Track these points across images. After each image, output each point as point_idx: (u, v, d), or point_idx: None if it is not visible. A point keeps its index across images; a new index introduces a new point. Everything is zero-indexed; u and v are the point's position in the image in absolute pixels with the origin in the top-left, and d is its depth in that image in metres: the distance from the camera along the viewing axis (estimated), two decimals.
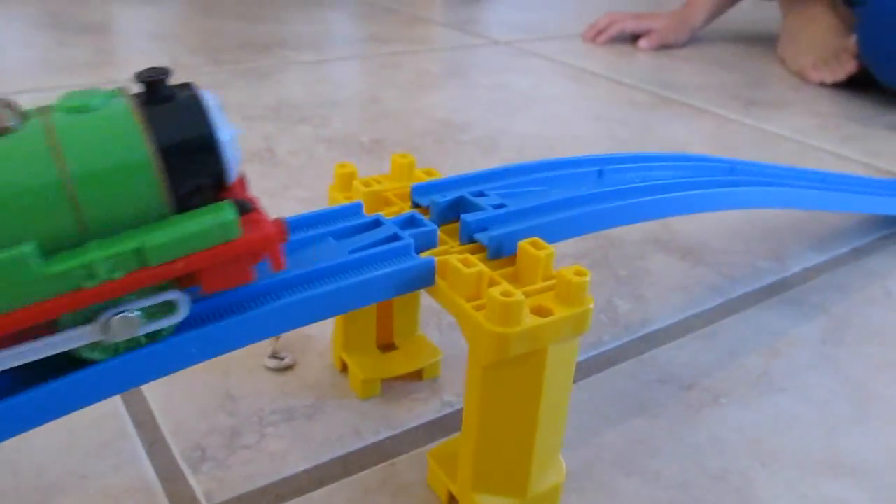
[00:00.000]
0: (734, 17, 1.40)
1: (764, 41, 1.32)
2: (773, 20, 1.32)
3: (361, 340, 0.44)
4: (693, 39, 1.29)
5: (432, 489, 0.37)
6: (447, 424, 0.41)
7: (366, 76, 1.00)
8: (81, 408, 0.27)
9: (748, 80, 1.11)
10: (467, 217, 0.34)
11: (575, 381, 0.44)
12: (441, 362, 0.45)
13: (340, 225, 0.34)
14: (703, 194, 0.43)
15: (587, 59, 1.16)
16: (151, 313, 0.26)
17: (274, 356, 0.45)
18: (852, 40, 1.07)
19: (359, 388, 0.43)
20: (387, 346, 0.45)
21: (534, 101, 0.93)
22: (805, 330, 0.51)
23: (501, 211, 0.35)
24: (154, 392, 0.42)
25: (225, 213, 0.25)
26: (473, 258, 0.31)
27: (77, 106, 0.24)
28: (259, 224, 0.26)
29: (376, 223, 0.34)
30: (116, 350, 0.26)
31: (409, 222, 0.34)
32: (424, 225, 0.34)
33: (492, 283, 0.31)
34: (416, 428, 0.41)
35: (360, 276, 0.30)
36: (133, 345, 0.26)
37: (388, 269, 0.31)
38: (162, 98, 0.25)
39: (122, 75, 0.90)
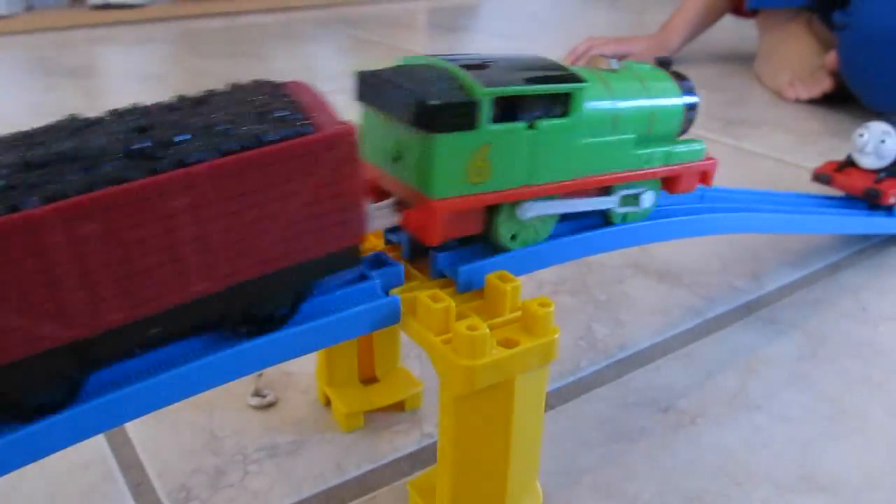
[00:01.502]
0: (712, 38, 1.43)
1: (741, 60, 1.34)
2: (751, 39, 1.34)
3: (344, 374, 0.45)
4: (676, 62, 1.31)
5: None
6: (428, 455, 0.42)
7: (346, 110, 1.01)
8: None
9: (727, 99, 1.12)
10: (436, 253, 0.35)
11: (553, 407, 0.45)
12: (422, 393, 0.45)
13: None
14: (673, 223, 0.44)
15: None
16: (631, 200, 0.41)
17: (257, 394, 0.46)
18: (828, 58, 1.08)
19: (342, 422, 0.43)
20: (369, 380, 0.46)
21: None
22: (781, 347, 0.52)
23: (469, 246, 0.36)
24: (140, 433, 0.43)
25: (700, 144, 0.42)
26: (442, 293, 0.32)
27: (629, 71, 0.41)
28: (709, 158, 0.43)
29: None
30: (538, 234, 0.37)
31: (377, 262, 0.35)
32: (391, 264, 0.35)
33: (460, 317, 0.32)
34: (398, 460, 0.41)
35: (327, 317, 0.31)
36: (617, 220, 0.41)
37: (355, 310, 0.32)
38: (677, 75, 0.42)
39: None
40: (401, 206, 0.34)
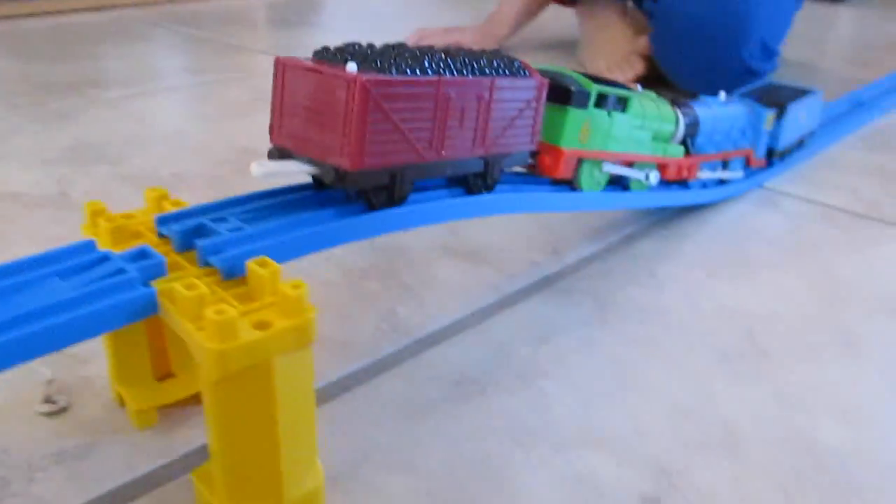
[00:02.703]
0: (541, 26, 1.48)
1: (568, 48, 1.40)
2: (576, 27, 1.39)
3: (136, 372, 0.44)
4: (502, 49, 1.35)
5: None
6: None
7: (172, 109, 0.99)
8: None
9: None
10: (200, 242, 0.36)
11: (349, 389, 0.47)
12: None
13: (68, 264, 0.34)
14: (446, 204, 0.46)
15: None
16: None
17: (47, 401, 0.45)
18: (641, 43, 1.15)
19: (135, 420, 0.43)
20: (165, 376, 0.46)
21: None
22: (572, 316, 0.55)
23: (234, 234, 0.37)
24: None
25: (681, 149, 0.65)
26: (198, 281, 0.33)
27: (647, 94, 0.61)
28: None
29: (104, 259, 0.35)
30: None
31: (140, 255, 0.35)
32: (153, 256, 0.35)
33: (221, 304, 0.33)
34: (189, 453, 0.41)
35: (75, 311, 0.31)
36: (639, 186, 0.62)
37: (107, 303, 0.32)
38: (680, 102, 0.65)
39: None
40: (533, 155, 0.52)
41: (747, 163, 0.77)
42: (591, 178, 0.56)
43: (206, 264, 0.36)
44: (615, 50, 1.21)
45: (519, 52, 1.35)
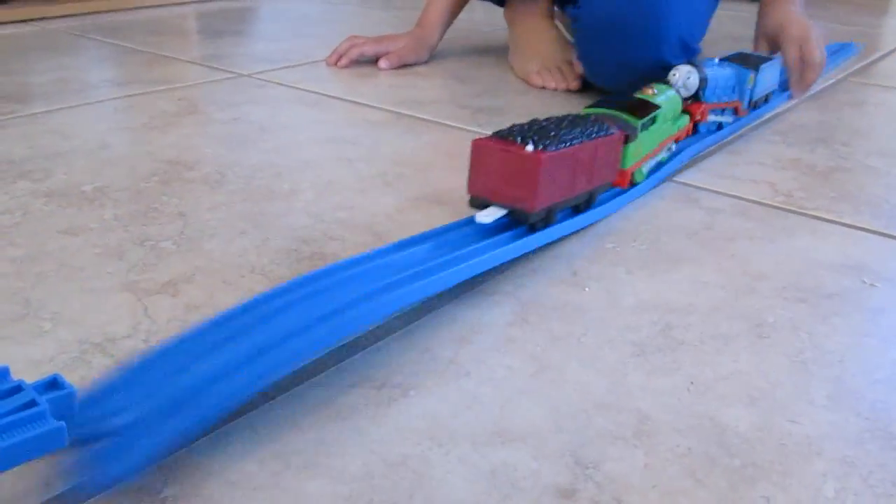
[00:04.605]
0: (474, 31, 1.49)
1: (499, 52, 1.41)
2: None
3: None
4: (436, 56, 1.36)
5: None
6: None
7: (97, 123, 0.98)
8: None
9: (480, 90, 1.18)
10: None
11: (272, 398, 0.47)
12: None
13: None
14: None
15: (328, 83, 1.20)
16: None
17: None
18: (576, 63, 1.17)
19: None
20: None
21: (268, 131, 0.95)
22: (494, 316, 0.56)
23: None
24: None
25: (686, 118, 0.88)
26: None
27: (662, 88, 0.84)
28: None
29: (16, 390, 0.35)
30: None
31: (51, 385, 0.36)
32: (64, 387, 0.36)
33: None
34: None
35: None
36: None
37: (14, 440, 0.33)
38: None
39: None
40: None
41: (735, 112, 1.00)
42: (641, 175, 0.78)
43: None
44: (547, 54, 1.23)
45: (452, 59, 1.37)
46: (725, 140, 1.00)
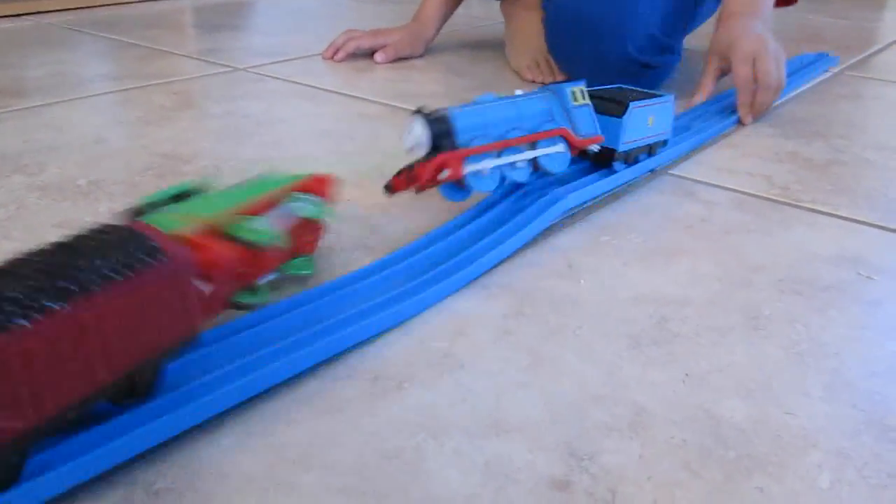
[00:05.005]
0: (471, 24, 1.49)
1: (497, 46, 1.41)
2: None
3: None
4: (433, 49, 1.36)
5: None
6: None
7: (92, 117, 0.98)
8: None
9: (476, 83, 1.18)
10: None
11: (265, 391, 0.47)
12: None
13: None
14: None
15: (324, 77, 1.19)
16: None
17: None
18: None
19: None
20: None
21: (264, 125, 0.95)
22: (490, 308, 0.56)
23: None
24: None
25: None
26: None
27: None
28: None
29: None
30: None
31: None
32: None
33: None
34: None
35: None
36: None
37: None
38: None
39: None
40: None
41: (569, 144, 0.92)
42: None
43: None
44: (537, 49, 1.23)
45: (448, 53, 1.36)
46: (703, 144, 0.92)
